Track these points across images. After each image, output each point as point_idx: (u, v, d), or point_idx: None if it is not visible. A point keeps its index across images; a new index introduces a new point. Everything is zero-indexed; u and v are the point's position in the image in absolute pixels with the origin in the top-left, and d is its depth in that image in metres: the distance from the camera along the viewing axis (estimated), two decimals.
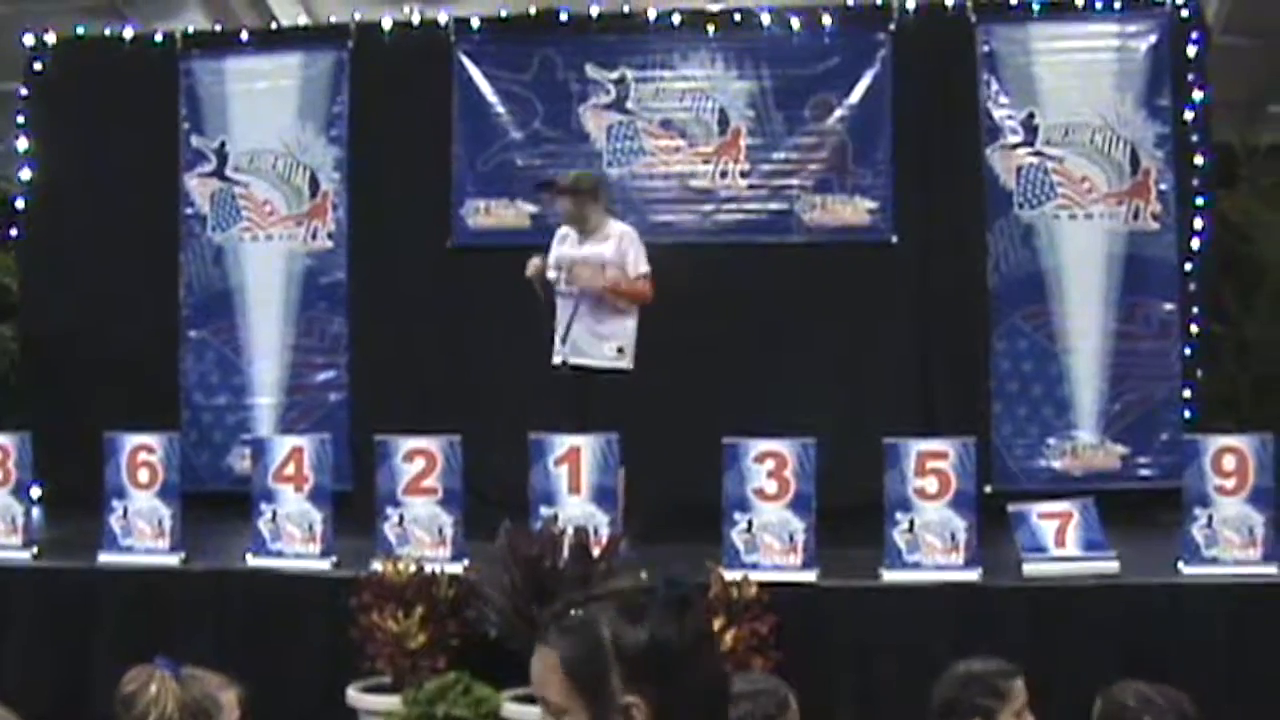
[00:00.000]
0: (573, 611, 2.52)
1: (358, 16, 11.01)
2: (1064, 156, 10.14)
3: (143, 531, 7.97)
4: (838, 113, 10.33)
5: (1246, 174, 11.49)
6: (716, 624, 6.72)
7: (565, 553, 6.98)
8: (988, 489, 8.94)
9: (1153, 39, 10.10)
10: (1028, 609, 7.11)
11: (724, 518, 7.37)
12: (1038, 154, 10.16)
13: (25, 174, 11.31)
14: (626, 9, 10.65)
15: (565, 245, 8.63)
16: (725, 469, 7.41)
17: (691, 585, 2.63)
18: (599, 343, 8.43)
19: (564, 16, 10.65)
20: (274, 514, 7.85)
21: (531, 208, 10.46)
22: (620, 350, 8.45)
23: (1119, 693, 4.40)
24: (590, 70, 10.55)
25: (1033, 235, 10.16)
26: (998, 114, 10.21)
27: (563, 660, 2.49)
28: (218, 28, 11.68)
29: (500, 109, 10.63)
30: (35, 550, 8.19)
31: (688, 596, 2.55)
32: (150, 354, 10.96)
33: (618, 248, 8.55)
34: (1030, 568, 7.24)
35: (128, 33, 11.37)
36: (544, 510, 7.51)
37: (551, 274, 8.60)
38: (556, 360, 8.52)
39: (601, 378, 8.41)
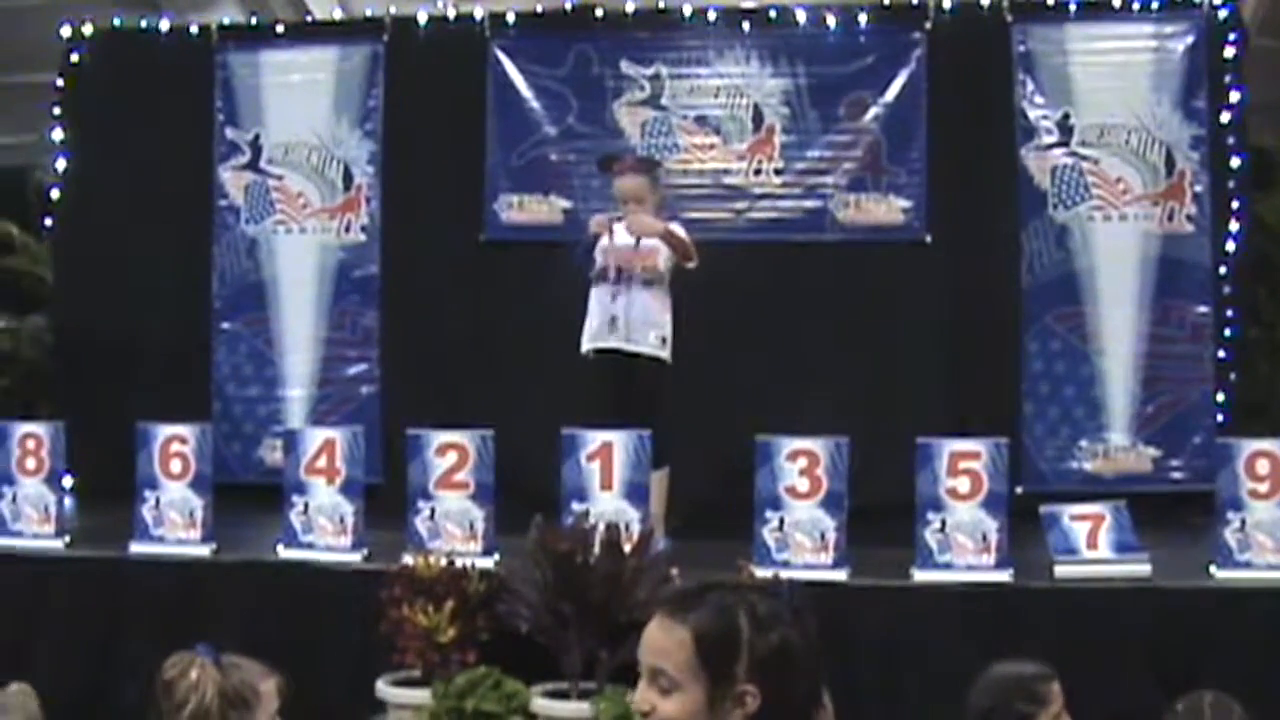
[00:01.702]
0: (709, 593, 2.58)
1: (393, 10, 11.02)
2: (1099, 157, 10.10)
3: (174, 522, 7.99)
4: (872, 111, 10.30)
5: None
6: None
7: (596, 549, 6.99)
8: (1019, 490, 8.92)
9: (1189, 40, 10.05)
10: (1059, 611, 7.09)
11: (755, 515, 7.37)
12: (1073, 154, 10.12)
13: (60, 165, 11.35)
14: (662, 5, 10.64)
15: (614, 238, 8.54)
16: (757, 467, 7.40)
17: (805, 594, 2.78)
18: (647, 330, 8.39)
19: (599, 12, 10.65)
20: (305, 506, 7.86)
21: (565, 203, 10.46)
22: (664, 340, 8.43)
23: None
24: (625, 66, 10.54)
25: (1067, 236, 10.12)
26: (1033, 114, 10.17)
27: (696, 638, 2.56)
28: (253, 20, 11.69)
29: (534, 104, 10.63)
30: (67, 539, 8.23)
31: (807, 606, 2.71)
32: (183, 345, 10.99)
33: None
34: (1062, 569, 7.22)
35: (164, 25, 11.40)
36: (575, 506, 7.52)
37: (599, 258, 8.54)
38: (594, 347, 8.46)
39: (640, 366, 8.37)
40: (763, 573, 7.03)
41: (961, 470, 7.26)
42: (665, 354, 8.42)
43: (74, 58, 11.36)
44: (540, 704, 6.91)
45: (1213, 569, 7.28)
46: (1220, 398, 9.93)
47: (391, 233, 10.85)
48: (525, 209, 10.60)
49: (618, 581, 6.93)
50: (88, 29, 11.37)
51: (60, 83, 11.40)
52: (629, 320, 8.38)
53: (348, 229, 10.95)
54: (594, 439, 7.63)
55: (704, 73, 10.48)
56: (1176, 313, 10.01)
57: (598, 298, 8.48)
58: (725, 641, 2.54)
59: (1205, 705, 4.38)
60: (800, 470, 7.35)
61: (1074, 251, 10.12)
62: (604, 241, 8.47)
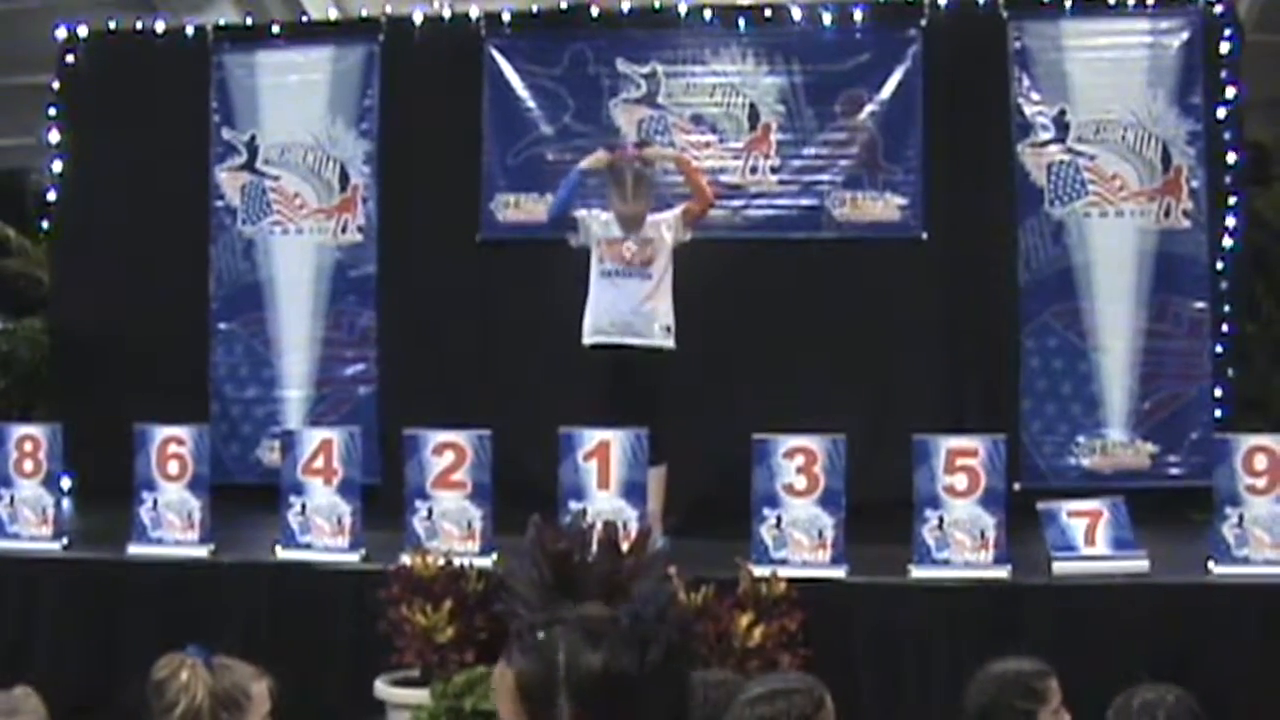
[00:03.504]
0: (535, 632, 2.55)
1: (388, 10, 11.01)
2: (1095, 153, 10.09)
3: (172, 523, 8.00)
4: (868, 109, 10.29)
5: (1279, 172, 11.43)
6: (745, 620, 6.72)
7: (594, 548, 6.97)
8: (1016, 487, 8.91)
9: (1185, 36, 10.05)
10: (1057, 607, 7.10)
11: (753, 513, 7.38)
12: (1069, 151, 10.11)
13: (57, 166, 11.35)
14: (657, 4, 10.62)
15: (608, 229, 8.56)
16: (754, 464, 7.41)
17: (663, 619, 2.60)
18: (650, 322, 8.40)
19: (595, 11, 10.64)
20: (303, 506, 7.87)
21: None
22: (668, 329, 8.43)
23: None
24: (621, 65, 10.53)
25: (1063, 232, 10.11)
26: (1029, 110, 10.16)
27: (518, 678, 2.51)
28: (249, 21, 11.69)
29: (530, 103, 10.62)
30: (65, 541, 8.24)
31: (650, 631, 2.55)
32: (180, 346, 10.97)
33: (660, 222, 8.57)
34: (1060, 566, 7.23)
35: (159, 26, 11.39)
36: (573, 505, 7.52)
37: (575, 240, 8.59)
38: (595, 341, 8.47)
39: (642, 358, 8.38)
40: (761, 570, 7.04)
41: (959, 467, 7.27)
42: (670, 343, 8.43)
43: (70, 59, 11.35)
44: None
45: (1211, 564, 7.29)
46: (1218, 393, 9.92)
47: (388, 233, 10.85)
48: (522, 208, 10.59)
49: (616, 580, 6.91)
50: (83, 31, 11.36)
51: (56, 85, 11.40)
52: (633, 313, 8.39)
53: (344, 229, 10.94)
54: (591, 438, 7.63)
55: (700, 71, 10.47)
56: (1174, 308, 10.00)
57: (599, 290, 8.49)
58: (541, 678, 2.48)
59: (1134, 702, 4.37)
60: (798, 468, 7.36)
61: (1071, 248, 10.11)
62: (603, 234, 8.48)
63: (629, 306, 8.40)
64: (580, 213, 8.66)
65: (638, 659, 2.50)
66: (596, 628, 2.53)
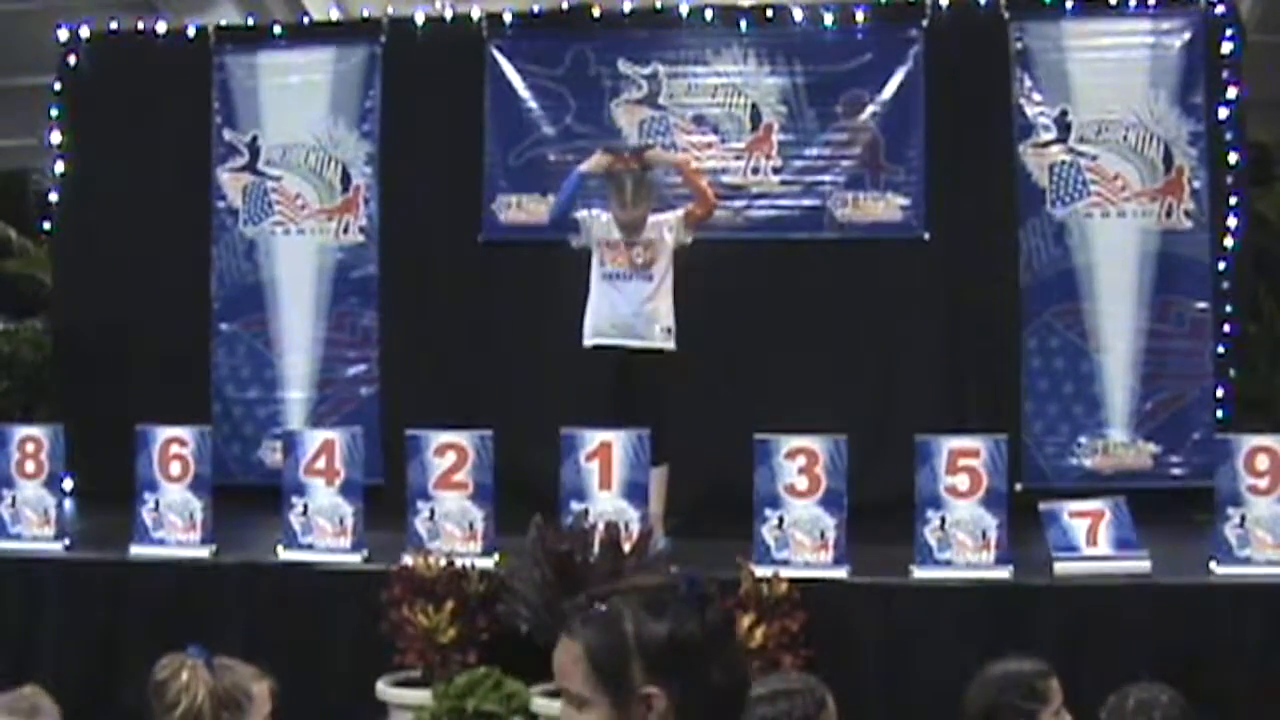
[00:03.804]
0: (596, 604, 2.60)
1: (390, 11, 11.02)
2: (1097, 154, 10.09)
3: (174, 524, 7.99)
4: (870, 109, 10.30)
5: None
6: (746, 621, 6.72)
7: (596, 548, 6.98)
8: (1018, 487, 8.91)
9: (1187, 36, 10.05)
10: (1059, 607, 7.09)
11: (755, 514, 7.37)
12: (1070, 151, 10.11)
13: (58, 167, 11.36)
14: (659, 4, 10.63)
15: (608, 231, 8.56)
16: (756, 465, 7.40)
17: (712, 583, 2.72)
18: (651, 324, 8.41)
19: (596, 12, 10.65)
20: (305, 507, 7.86)
21: None
22: (669, 331, 8.44)
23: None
24: (622, 65, 10.54)
25: (1065, 233, 10.12)
26: (1030, 111, 10.17)
27: (586, 651, 2.57)
28: (250, 22, 11.69)
29: (532, 104, 10.63)
30: (67, 542, 8.24)
31: (708, 594, 2.64)
32: (182, 347, 10.98)
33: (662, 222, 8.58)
34: (1062, 566, 7.22)
35: (160, 27, 11.39)
36: (574, 505, 7.52)
37: (577, 242, 8.60)
38: (596, 343, 8.48)
39: (645, 360, 8.38)
40: (762, 571, 7.04)
41: (961, 467, 7.26)
42: (671, 345, 8.43)
43: (71, 60, 11.35)
44: (540, 704, 6.90)
45: (1212, 565, 7.28)
46: (1219, 393, 9.93)
47: (390, 233, 10.85)
48: (523, 209, 10.59)
49: (617, 581, 6.91)
50: (85, 32, 11.36)
51: (58, 86, 11.40)
52: (634, 315, 8.39)
53: (346, 230, 10.95)
54: (593, 438, 7.63)
55: (701, 72, 10.48)
56: (1175, 309, 10.00)
57: (600, 292, 8.49)
58: (614, 648, 2.55)
59: (1129, 700, 4.37)
60: (799, 468, 7.35)
61: (1072, 248, 10.11)
62: (601, 235, 8.48)
63: (630, 309, 8.40)
64: (581, 214, 8.66)
65: (699, 622, 2.58)
66: (657, 596, 2.60)
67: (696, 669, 2.56)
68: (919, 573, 7.25)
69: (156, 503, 8.02)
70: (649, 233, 8.45)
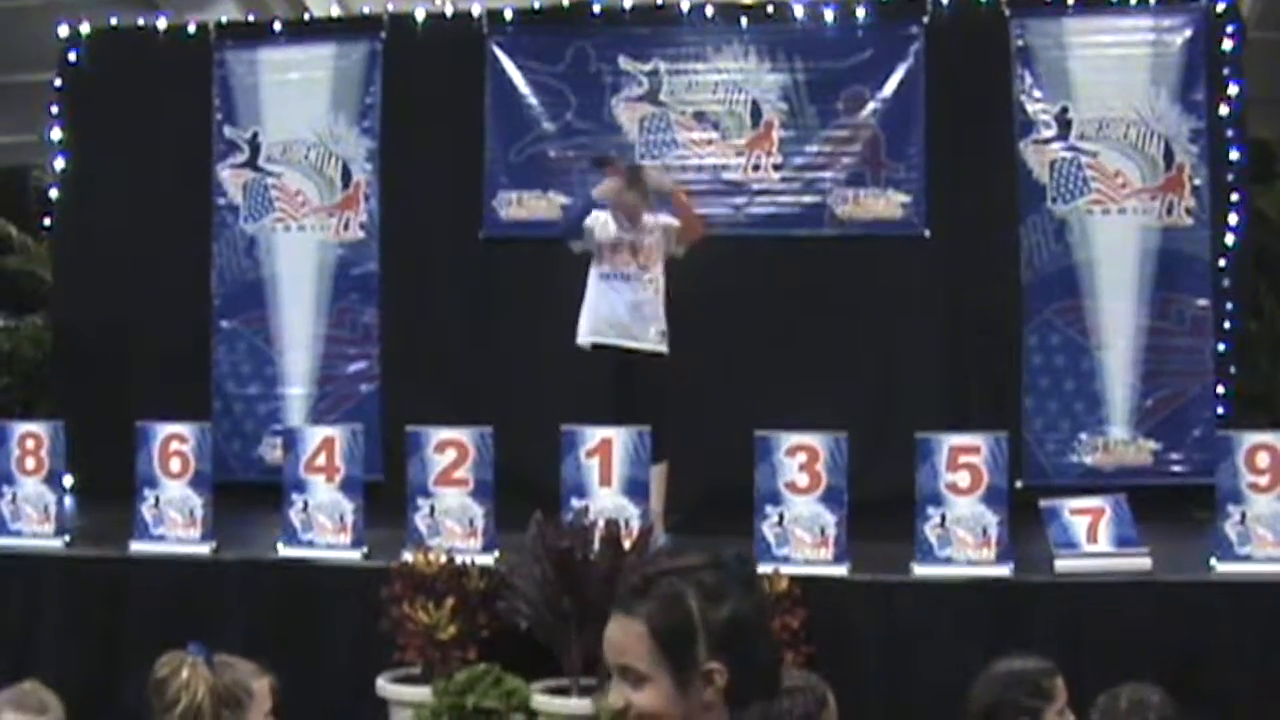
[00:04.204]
0: (657, 582, 2.64)
1: (390, 7, 11.02)
2: (1098, 151, 10.09)
3: (174, 521, 7.99)
4: (870, 106, 10.30)
5: None
6: None
7: (596, 545, 6.98)
8: (1019, 484, 8.91)
9: (1188, 33, 10.05)
10: (1059, 605, 7.09)
11: (756, 511, 7.37)
12: (1071, 148, 10.11)
13: (59, 164, 11.36)
14: (660, 1, 10.63)
15: (607, 230, 8.58)
16: (757, 462, 7.41)
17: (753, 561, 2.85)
18: (647, 325, 8.42)
19: (597, 8, 10.65)
20: (305, 504, 7.87)
21: (564, 199, 10.45)
22: (663, 334, 8.45)
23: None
24: (623, 62, 10.54)
25: (1066, 230, 10.11)
26: (1031, 108, 10.16)
27: (651, 629, 2.62)
28: (251, 19, 11.70)
29: (533, 100, 10.63)
30: (67, 539, 8.24)
31: (755, 573, 2.78)
32: (182, 344, 10.98)
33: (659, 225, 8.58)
34: (1062, 563, 7.22)
35: (161, 24, 11.38)
36: (575, 502, 7.53)
37: (579, 246, 8.61)
38: (593, 341, 8.48)
39: (642, 361, 8.39)
40: (763, 568, 7.03)
41: (961, 465, 7.26)
42: (665, 348, 8.46)
43: (72, 57, 11.36)
44: (540, 700, 6.91)
45: (1213, 562, 7.28)
46: (1220, 391, 9.93)
47: (390, 230, 10.85)
48: (524, 205, 10.60)
49: (618, 578, 6.92)
50: (85, 28, 11.37)
51: (58, 82, 11.40)
52: (630, 317, 8.41)
53: (346, 226, 10.95)
54: (593, 435, 7.63)
55: (702, 68, 10.48)
56: (1176, 306, 10.00)
57: (598, 292, 8.51)
58: (680, 626, 2.61)
59: (1121, 701, 4.36)
60: (800, 465, 7.35)
61: (1073, 245, 10.11)
62: (601, 236, 8.49)
63: (626, 311, 8.43)
64: (586, 220, 8.67)
65: (752, 600, 2.68)
66: (715, 575, 2.66)
67: (750, 645, 2.63)
68: (919, 570, 7.25)
69: (157, 499, 8.02)
70: (646, 236, 8.46)
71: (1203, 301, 9.97)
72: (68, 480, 8.73)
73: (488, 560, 7.48)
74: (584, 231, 8.61)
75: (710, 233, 9.17)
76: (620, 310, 8.44)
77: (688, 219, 8.67)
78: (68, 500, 8.73)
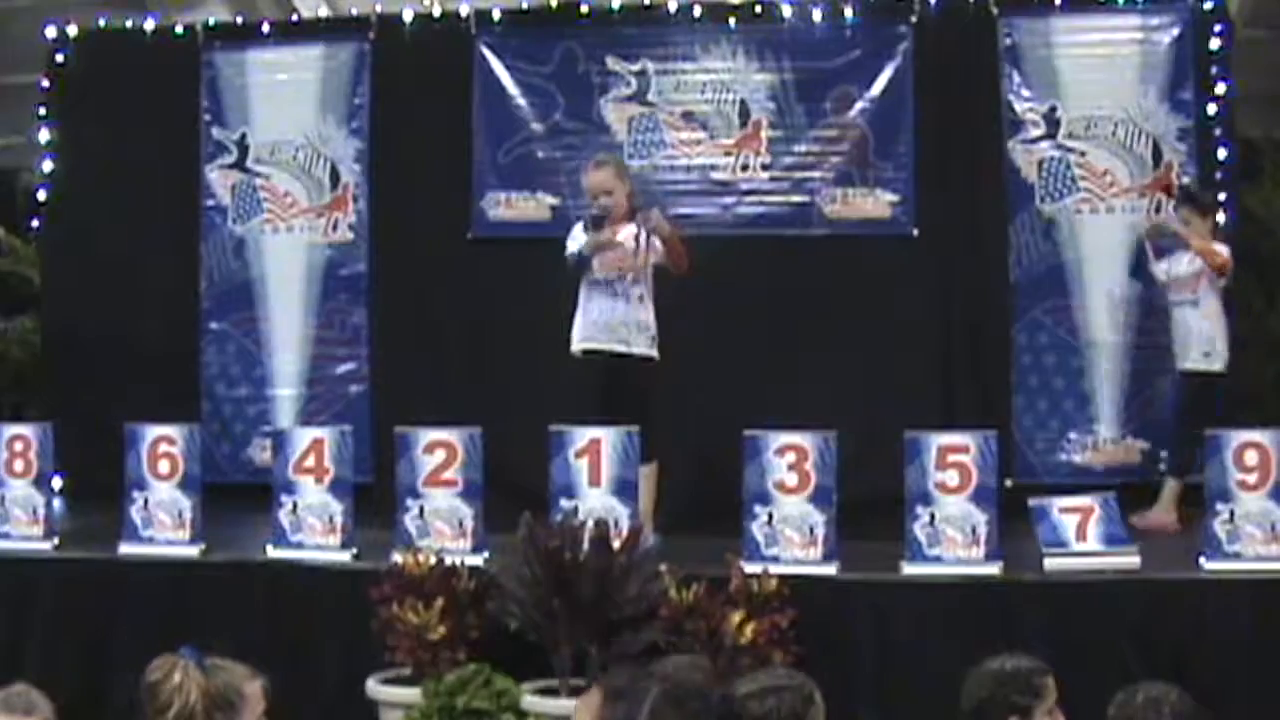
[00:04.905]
0: (629, 677, 2.67)
1: (378, 8, 11.00)
2: (1086, 150, 10.09)
3: (163, 523, 8.00)
4: (859, 105, 10.29)
5: (1270, 168, 11.43)
6: (736, 617, 6.74)
7: (585, 545, 6.99)
8: (1008, 483, 8.89)
9: (1176, 31, 10.05)
10: (1048, 603, 7.10)
11: (744, 510, 7.38)
12: (1060, 147, 10.11)
13: (47, 165, 11.32)
14: (648, 1, 10.62)
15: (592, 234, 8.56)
16: (746, 462, 7.42)
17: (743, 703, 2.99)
18: (639, 331, 8.42)
19: (585, 9, 10.63)
20: (294, 506, 7.87)
21: (552, 199, 10.45)
22: (653, 338, 8.45)
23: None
24: (611, 62, 10.52)
25: (1054, 228, 10.11)
26: (1019, 107, 10.16)
27: (602, 708, 2.62)
28: (239, 20, 11.68)
29: (521, 101, 10.61)
30: (56, 541, 8.24)
31: (735, 713, 2.97)
32: (171, 345, 10.96)
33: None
34: (1051, 562, 7.24)
35: (149, 25, 11.36)
36: (564, 503, 7.53)
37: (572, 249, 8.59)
38: (586, 347, 8.48)
39: (632, 365, 8.39)
40: (752, 567, 7.04)
41: (950, 463, 7.28)
42: (654, 352, 8.45)
43: (59, 58, 11.32)
44: (531, 701, 6.92)
45: (1202, 560, 7.30)
46: None
47: (379, 231, 10.84)
48: (513, 206, 10.59)
49: (607, 578, 6.93)
50: (73, 30, 11.34)
51: (46, 83, 11.37)
52: (622, 322, 8.40)
53: (335, 227, 10.93)
54: (582, 436, 7.65)
55: (690, 68, 10.46)
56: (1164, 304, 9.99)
57: (590, 298, 8.49)
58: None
59: (1138, 697, 4.37)
60: (789, 465, 7.36)
61: (1062, 244, 10.11)
62: (586, 240, 8.47)
63: (618, 315, 8.42)
64: (576, 228, 8.65)
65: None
66: (686, 692, 2.70)
67: None
68: (908, 569, 7.26)
69: (146, 501, 8.03)
70: (630, 241, 8.43)
71: None
72: (56, 482, 8.74)
73: (477, 561, 7.49)
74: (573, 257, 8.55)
75: (699, 232, 9.16)
76: (610, 315, 8.43)
77: (676, 259, 8.53)
78: (56, 502, 8.73)
